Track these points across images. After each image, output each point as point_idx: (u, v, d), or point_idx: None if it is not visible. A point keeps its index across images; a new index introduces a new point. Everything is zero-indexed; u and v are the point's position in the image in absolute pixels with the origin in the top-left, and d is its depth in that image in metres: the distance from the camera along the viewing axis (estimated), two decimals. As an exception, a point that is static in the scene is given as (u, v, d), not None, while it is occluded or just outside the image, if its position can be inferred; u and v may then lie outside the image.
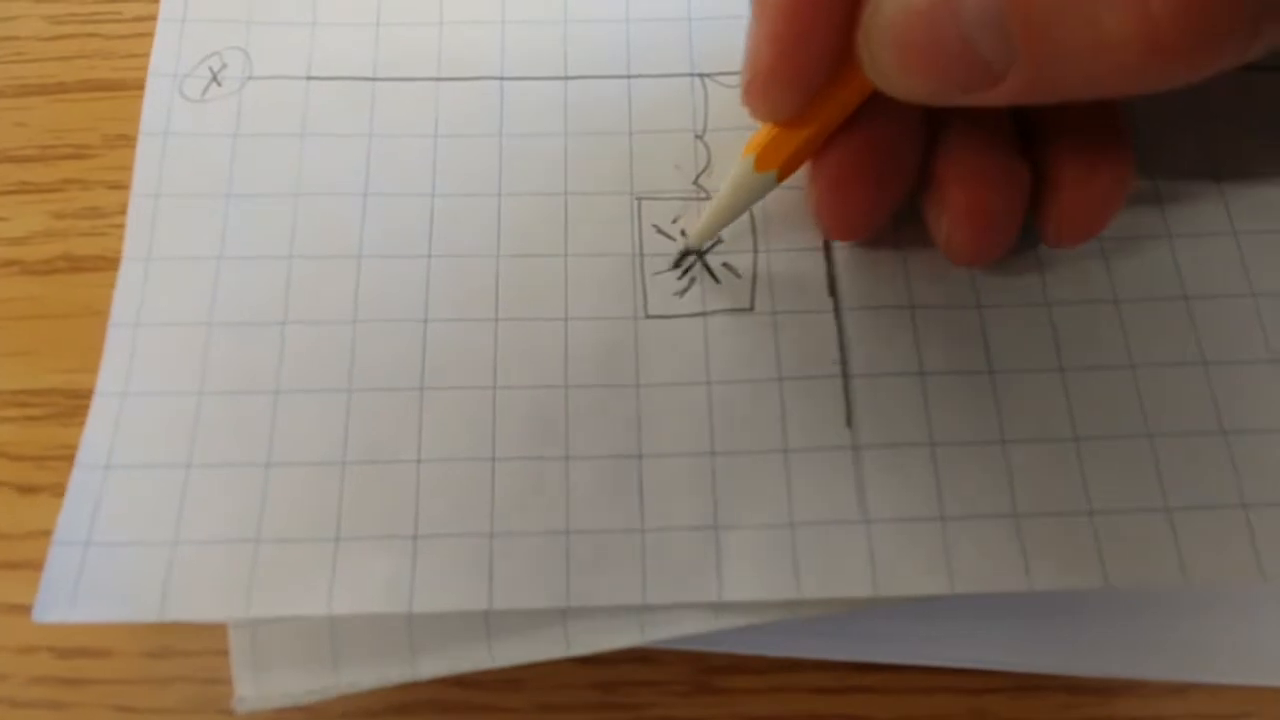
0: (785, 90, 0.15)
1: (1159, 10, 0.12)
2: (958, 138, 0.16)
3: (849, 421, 0.17)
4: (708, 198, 0.19)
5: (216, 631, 0.17)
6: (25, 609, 0.18)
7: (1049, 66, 0.13)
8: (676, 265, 0.18)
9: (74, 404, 0.19)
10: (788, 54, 0.15)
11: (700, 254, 0.18)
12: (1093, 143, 0.16)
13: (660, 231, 0.19)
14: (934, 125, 0.17)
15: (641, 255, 0.18)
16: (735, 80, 0.20)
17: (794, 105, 0.16)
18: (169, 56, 0.20)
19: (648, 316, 0.18)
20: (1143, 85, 0.13)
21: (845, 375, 0.17)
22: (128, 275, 0.18)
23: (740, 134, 0.20)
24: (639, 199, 0.19)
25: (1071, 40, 0.13)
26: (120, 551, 0.16)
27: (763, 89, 0.16)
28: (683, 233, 0.18)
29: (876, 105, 0.16)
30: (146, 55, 0.20)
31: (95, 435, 0.17)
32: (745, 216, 0.19)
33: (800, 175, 0.17)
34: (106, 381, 0.17)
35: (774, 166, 0.16)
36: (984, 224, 0.16)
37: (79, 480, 0.16)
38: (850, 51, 0.15)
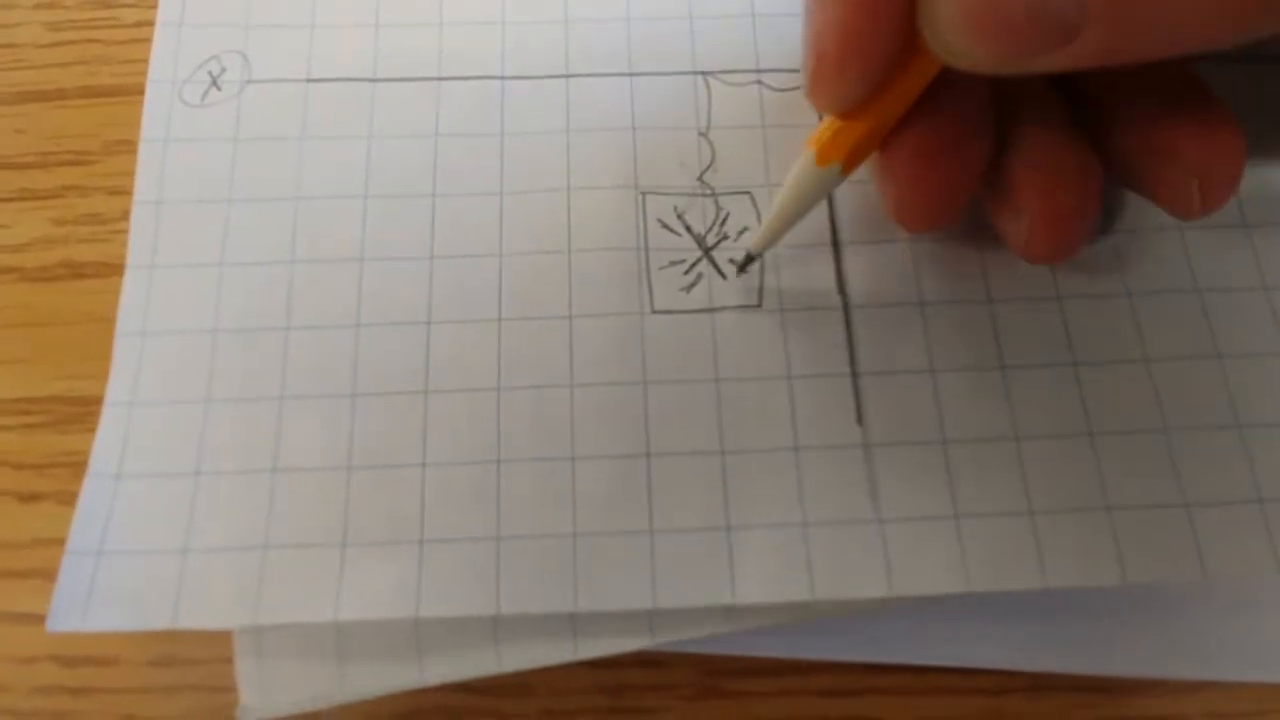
0: (853, 78, 0.15)
1: None
2: (1027, 138, 0.16)
3: (859, 419, 0.17)
4: (713, 194, 0.19)
5: (222, 639, 0.17)
6: (29, 617, 0.18)
7: (1128, 16, 0.12)
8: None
9: (75, 411, 0.19)
10: (854, 39, 0.14)
11: (707, 249, 0.18)
12: (1200, 116, 0.16)
13: (665, 226, 0.18)
14: (1001, 125, 0.16)
15: (647, 250, 0.18)
16: (737, 79, 0.20)
17: (862, 93, 0.15)
18: (167, 62, 0.19)
19: (654, 312, 0.18)
20: (1222, 36, 0.12)
21: (855, 373, 0.17)
22: (132, 284, 0.18)
23: (744, 131, 0.19)
24: (643, 193, 0.19)
25: None
26: (132, 560, 0.16)
27: (830, 79, 0.15)
28: (688, 229, 0.18)
29: (942, 87, 0.15)
30: (145, 61, 0.20)
31: (106, 444, 0.16)
32: (750, 211, 0.18)
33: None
34: (115, 391, 0.17)
35: (838, 159, 0.16)
36: (1065, 224, 0.16)
37: (90, 489, 0.16)
38: (914, 33, 0.14)
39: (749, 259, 0.18)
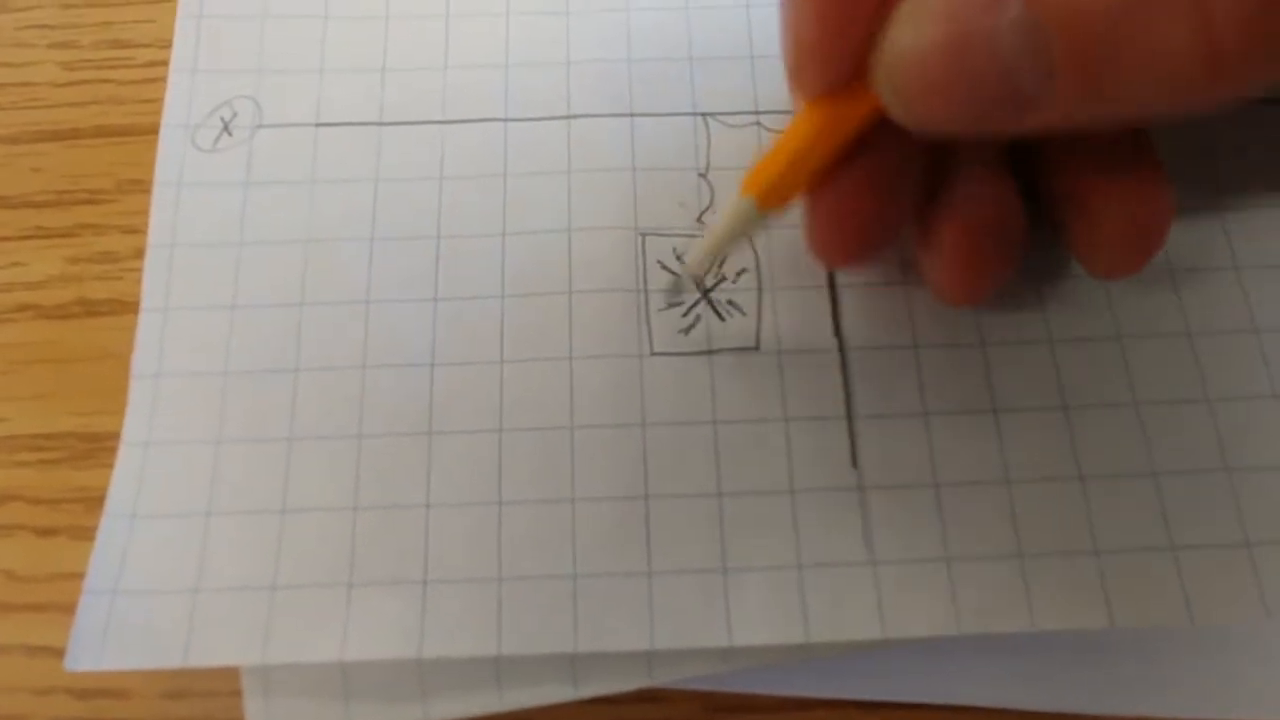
0: (832, 58, 0.14)
1: (1222, 19, 0.11)
2: (955, 180, 0.16)
3: (854, 462, 0.17)
4: (711, 234, 0.19)
5: (232, 673, 0.17)
6: (45, 650, 0.18)
7: (1096, 86, 0.12)
8: (675, 291, 0.18)
9: (90, 447, 0.20)
10: (830, 21, 0.14)
11: (706, 291, 0.19)
12: (1128, 169, 0.16)
13: (665, 267, 0.19)
14: (934, 166, 0.16)
15: (646, 291, 0.18)
16: (736, 120, 0.20)
17: (841, 74, 0.15)
18: (181, 107, 0.20)
19: (653, 354, 0.18)
20: (1193, 102, 0.12)
21: (850, 416, 0.17)
22: (147, 326, 0.18)
23: (743, 172, 0.20)
24: (643, 235, 0.19)
25: (1123, 55, 0.12)
26: (145, 599, 0.16)
27: (809, 62, 0.15)
28: (680, 259, 0.19)
29: (876, 133, 0.15)
30: (159, 100, 0.20)
31: (121, 484, 0.17)
32: (750, 255, 0.19)
33: (797, 217, 0.17)
34: (131, 431, 0.17)
35: (775, 206, 0.16)
36: (976, 270, 0.16)
37: (107, 529, 0.17)
38: (858, 76, 0.14)
39: (678, 286, 0.18)
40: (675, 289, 0.18)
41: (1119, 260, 0.16)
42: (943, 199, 0.16)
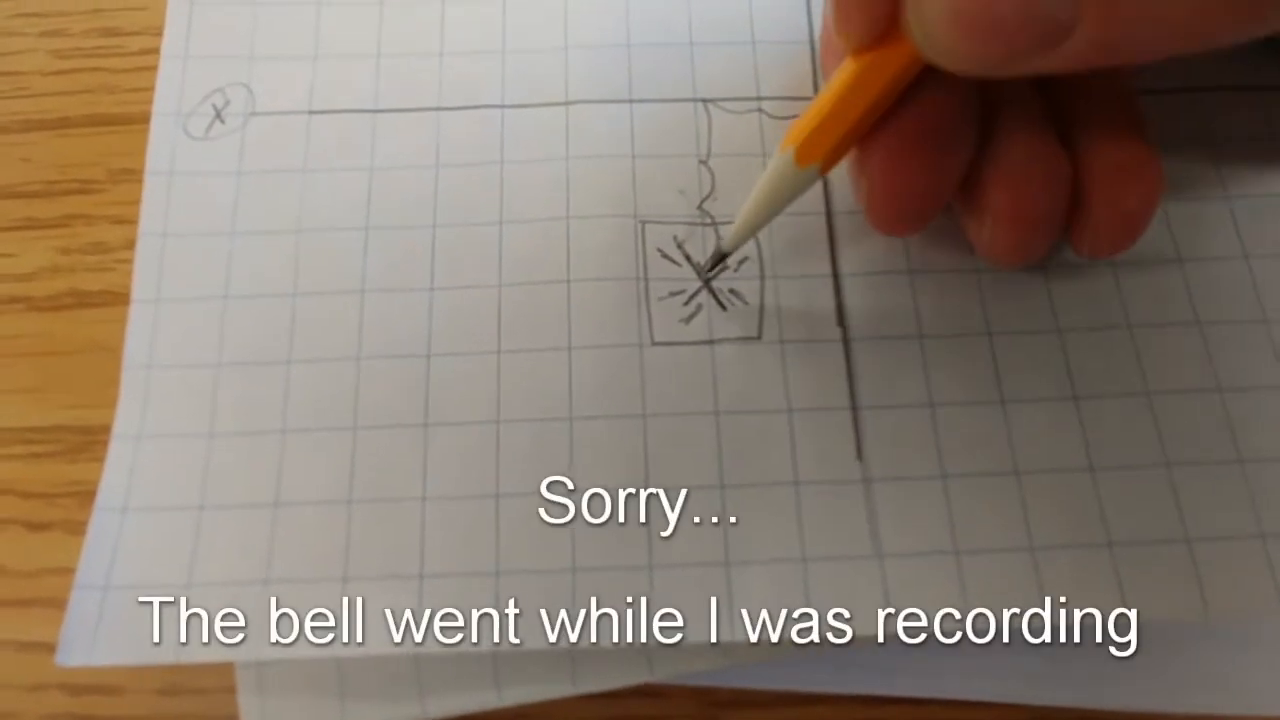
0: (874, 2, 0.14)
1: None
2: (1000, 138, 0.16)
3: (859, 454, 0.17)
4: (713, 223, 0.19)
5: (226, 669, 0.17)
6: (37, 646, 0.18)
7: (1121, 16, 0.12)
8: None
9: (82, 440, 0.20)
10: None
11: (707, 279, 0.18)
12: (1123, 154, 0.16)
13: (664, 255, 0.18)
14: (981, 125, 0.16)
15: (646, 280, 0.18)
16: (737, 106, 0.20)
17: (886, 13, 0.14)
18: (172, 94, 0.20)
19: (653, 344, 0.18)
20: (1213, 36, 0.12)
21: (854, 406, 0.17)
22: (138, 317, 0.18)
23: (744, 159, 0.20)
24: (643, 222, 0.19)
25: None
26: (137, 594, 0.16)
27: (853, 5, 0.15)
28: (687, 258, 0.18)
29: (923, 85, 0.15)
30: (151, 89, 0.20)
31: (113, 478, 0.17)
32: (751, 243, 0.18)
33: (801, 204, 0.17)
34: (122, 424, 0.17)
35: (816, 159, 0.15)
36: (1028, 226, 0.16)
37: (98, 523, 0.16)
38: (895, 25, 0.14)
39: (721, 257, 0.18)
40: (717, 262, 0.18)
41: (1104, 242, 0.16)
42: (988, 158, 0.16)
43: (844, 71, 0.15)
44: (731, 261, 0.18)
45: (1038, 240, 0.16)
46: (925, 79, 0.15)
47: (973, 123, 0.16)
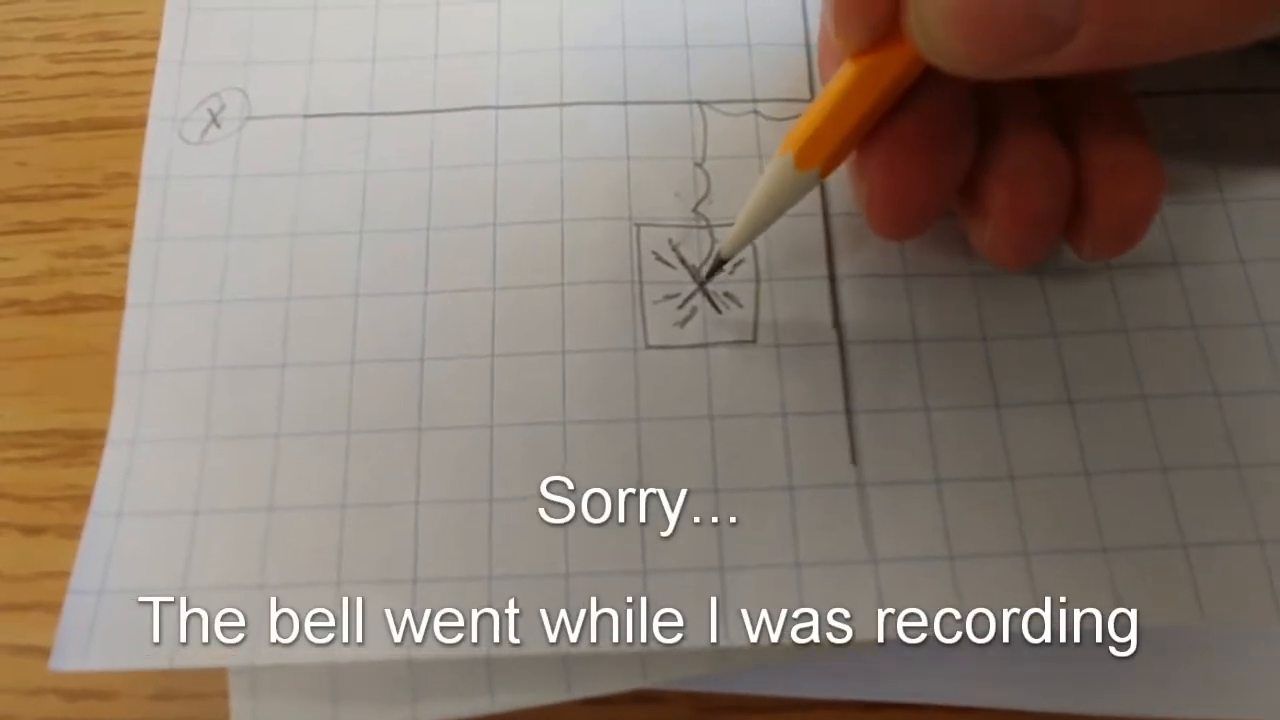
0: (873, 3, 0.14)
1: None
2: (1001, 138, 0.16)
3: (854, 458, 0.16)
4: (708, 225, 0.19)
5: (220, 674, 0.17)
6: (33, 650, 0.18)
7: (1124, 19, 0.12)
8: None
9: (78, 444, 0.20)
10: None
11: (702, 283, 0.18)
12: (1124, 154, 0.16)
13: (660, 259, 0.18)
14: (981, 126, 0.16)
15: (641, 283, 0.18)
16: (733, 108, 0.20)
17: (883, 18, 0.14)
18: (168, 99, 0.20)
19: (648, 347, 0.18)
20: (1214, 38, 0.12)
21: (849, 410, 0.17)
22: (133, 322, 0.18)
23: (740, 161, 0.19)
24: (638, 225, 0.19)
25: None
26: (132, 598, 0.16)
27: (852, 7, 0.15)
28: (682, 261, 0.18)
29: (923, 87, 0.15)
30: (147, 93, 0.20)
31: (108, 483, 0.17)
32: (747, 246, 0.18)
33: (798, 206, 0.17)
34: (117, 429, 0.17)
35: (816, 163, 0.15)
36: (1030, 226, 0.16)
37: (93, 528, 0.16)
38: (895, 27, 0.14)
39: (720, 263, 0.17)
40: (716, 268, 0.18)
41: (1106, 243, 0.16)
42: (990, 160, 0.16)
43: (843, 74, 0.15)
44: (727, 264, 0.18)
45: (1039, 241, 0.16)
46: (925, 81, 0.15)
47: (973, 125, 0.16)
